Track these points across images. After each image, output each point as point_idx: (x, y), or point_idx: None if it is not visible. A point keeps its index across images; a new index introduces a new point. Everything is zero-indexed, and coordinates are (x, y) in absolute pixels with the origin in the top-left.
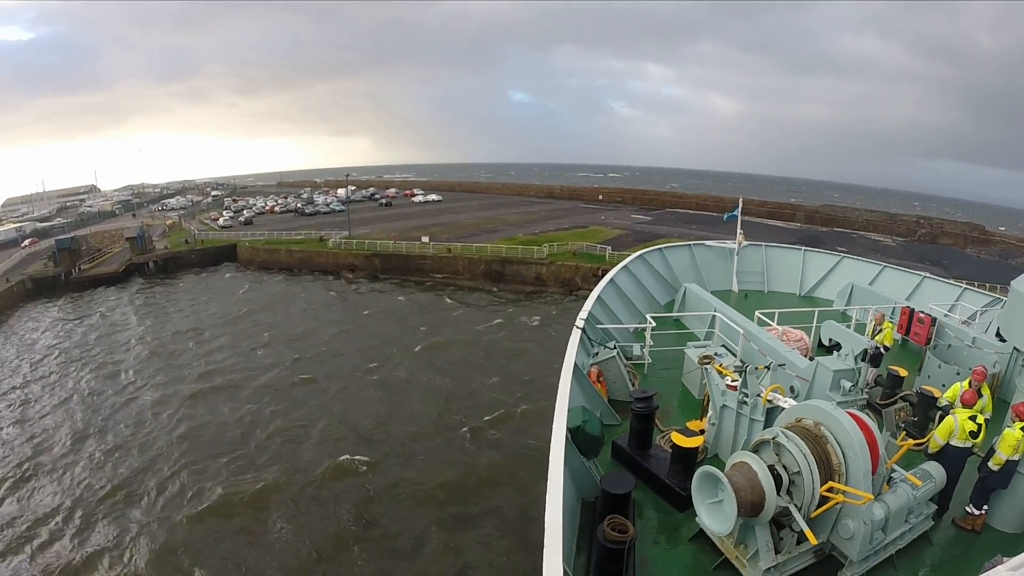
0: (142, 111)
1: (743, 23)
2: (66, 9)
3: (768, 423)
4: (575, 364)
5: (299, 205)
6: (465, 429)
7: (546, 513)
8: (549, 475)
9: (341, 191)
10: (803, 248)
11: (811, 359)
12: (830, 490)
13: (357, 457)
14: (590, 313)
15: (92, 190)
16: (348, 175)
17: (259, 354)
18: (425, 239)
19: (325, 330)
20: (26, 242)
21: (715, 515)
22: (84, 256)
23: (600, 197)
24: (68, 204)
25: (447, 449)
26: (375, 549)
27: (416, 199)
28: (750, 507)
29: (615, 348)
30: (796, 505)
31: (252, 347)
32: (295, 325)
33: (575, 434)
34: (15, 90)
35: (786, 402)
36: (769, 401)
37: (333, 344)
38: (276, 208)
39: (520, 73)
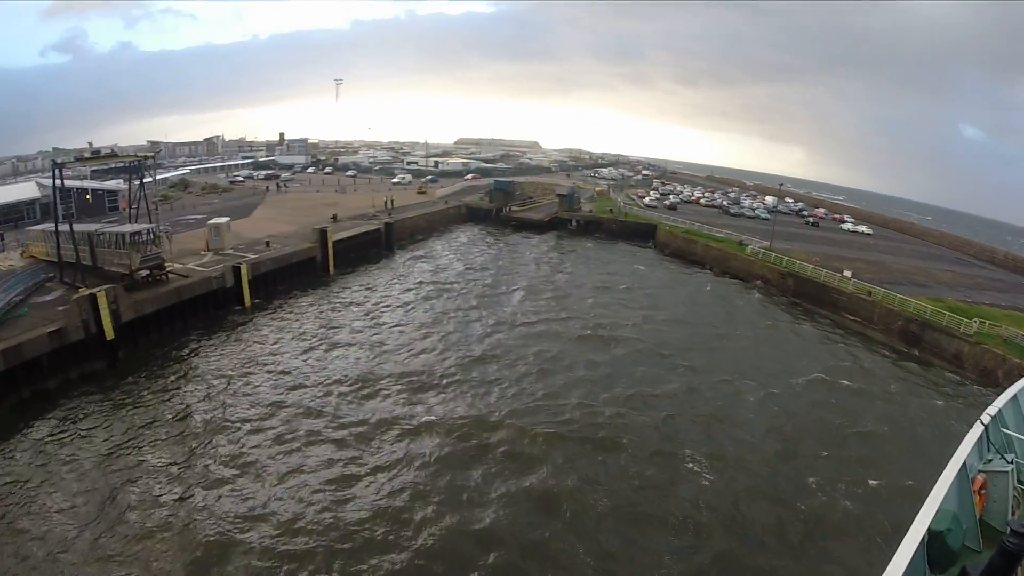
0: (586, 85)
1: None
2: None
3: None
4: (964, 463)
5: (725, 203)
6: (812, 481)
7: None
8: (887, 571)
9: (769, 199)
10: None
11: None
12: None
13: (686, 454)
14: (1000, 411)
15: (533, 146)
16: (782, 184)
17: (646, 329)
18: (847, 273)
19: (712, 331)
20: (469, 176)
21: None
22: (516, 200)
23: None
24: (510, 153)
25: (783, 490)
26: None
27: (845, 226)
28: None
29: (1013, 463)
30: None
31: (641, 318)
32: (697, 316)
33: (933, 538)
34: (477, 52)
35: None
36: None
37: (719, 342)
38: (701, 200)
39: (976, 104)
